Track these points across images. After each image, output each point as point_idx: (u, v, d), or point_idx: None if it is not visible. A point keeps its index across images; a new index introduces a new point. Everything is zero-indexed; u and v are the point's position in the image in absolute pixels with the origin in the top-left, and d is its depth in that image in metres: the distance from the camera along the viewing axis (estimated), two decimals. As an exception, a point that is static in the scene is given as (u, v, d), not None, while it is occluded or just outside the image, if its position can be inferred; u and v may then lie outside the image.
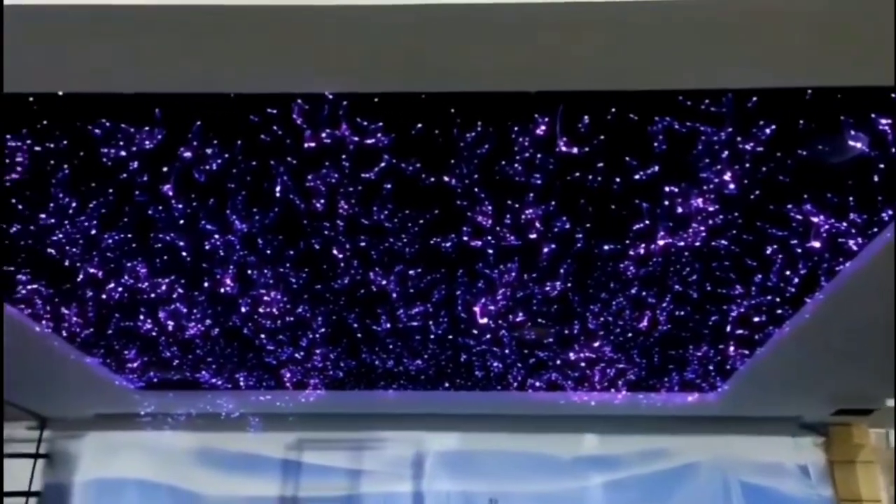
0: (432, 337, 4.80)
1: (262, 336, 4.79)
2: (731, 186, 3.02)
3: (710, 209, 3.20)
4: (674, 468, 6.49)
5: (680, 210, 3.23)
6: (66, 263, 3.83)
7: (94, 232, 3.54)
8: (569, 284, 4.05)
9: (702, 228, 3.37)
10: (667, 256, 3.68)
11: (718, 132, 2.73)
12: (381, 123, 2.78)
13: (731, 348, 4.84)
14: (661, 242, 3.55)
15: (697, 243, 3.51)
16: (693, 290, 4.01)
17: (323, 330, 4.69)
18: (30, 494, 6.34)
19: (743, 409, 6.14)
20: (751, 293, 4.01)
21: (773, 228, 3.36)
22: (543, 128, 2.79)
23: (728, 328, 4.49)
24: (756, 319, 4.34)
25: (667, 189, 3.11)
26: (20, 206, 3.30)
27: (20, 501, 6.30)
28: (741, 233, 3.40)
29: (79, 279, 4.00)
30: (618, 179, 3.08)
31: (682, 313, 4.31)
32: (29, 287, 4.09)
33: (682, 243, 3.52)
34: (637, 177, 3.04)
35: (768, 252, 3.57)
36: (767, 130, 2.72)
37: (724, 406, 5.99)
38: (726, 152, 2.84)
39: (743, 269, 3.75)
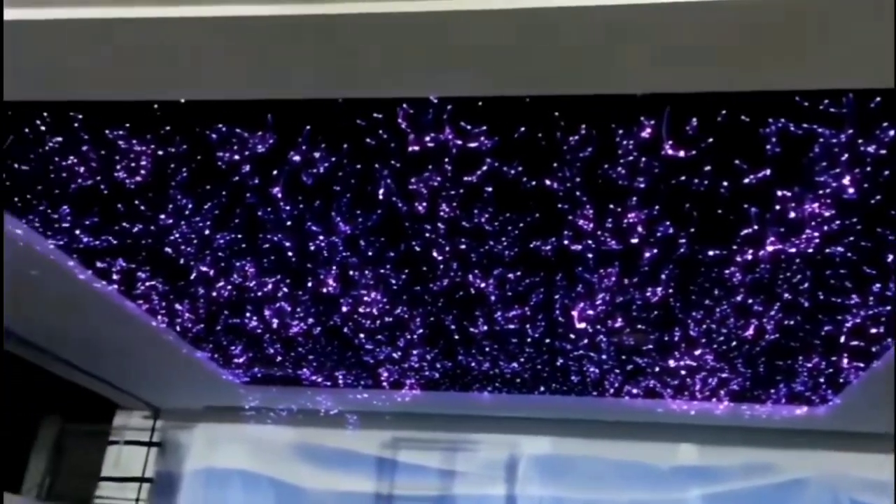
0: (529, 340, 4.78)
1: (362, 335, 4.89)
2: (850, 191, 2.89)
3: (826, 214, 3.07)
4: (779, 483, 6.22)
5: (792, 215, 3.11)
6: (182, 262, 4.03)
7: (207, 232, 3.71)
8: (670, 290, 3.96)
9: (816, 234, 3.23)
10: (776, 263, 3.55)
11: (838, 134, 2.62)
12: (484, 127, 2.80)
13: (845, 360, 4.62)
14: (770, 248, 3.42)
15: (810, 250, 3.37)
16: (804, 298, 3.84)
17: (421, 331, 4.75)
18: (143, 480, 6.69)
19: (855, 424, 5.82)
20: (868, 303, 3.82)
21: (894, 235, 3.19)
22: (649, 131, 2.74)
23: (842, 339, 4.28)
24: (873, 331, 4.12)
25: (779, 193, 3.00)
26: (143, 208, 3.50)
27: (134, 486, 6.66)
28: (859, 239, 3.24)
29: (192, 277, 4.21)
30: (725, 183, 2.99)
31: (792, 322, 4.14)
32: (147, 284, 4.32)
33: (793, 249, 3.39)
34: (747, 180, 2.95)
35: (888, 260, 3.39)
36: (892, 132, 2.58)
37: (835, 420, 5.71)
38: (846, 155, 2.71)
39: (860, 277, 3.57)
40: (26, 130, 2.99)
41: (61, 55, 2.46)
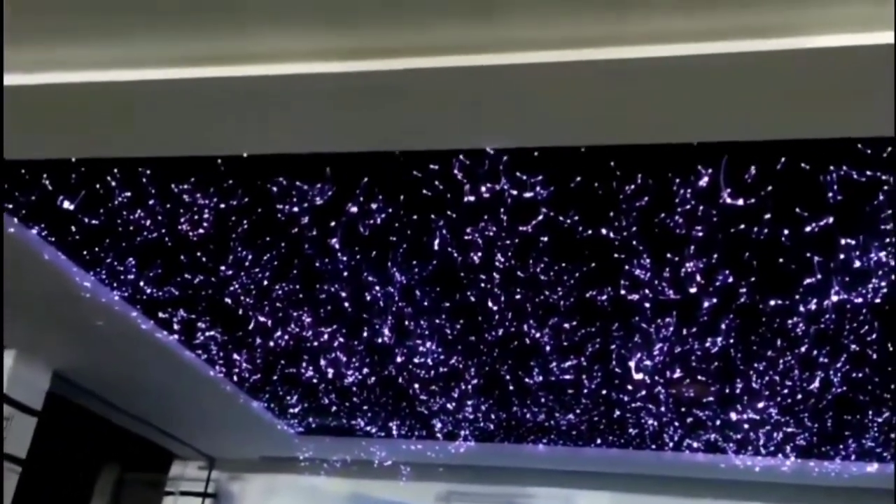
0: (585, 391, 4.71)
1: (416, 385, 4.88)
2: (918, 238, 2.81)
3: (894, 263, 2.98)
4: (850, 545, 5.93)
5: (857, 264, 3.03)
6: (240, 312, 4.10)
7: (266, 283, 3.78)
8: (731, 341, 3.87)
9: (883, 284, 3.14)
10: (841, 313, 3.44)
11: (903, 180, 2.56)
12: (540, 177, 2.81)
13: (918, 415, 4.43)
14: (834, 298, 3.33)
15: (878, 300, 3.26)
16: (872, 349, 3.71)
17: (475, 381, 4.72)
18: (197, 531, 6.72)
19: (930, 482, 5.54)
20: (941, 354, 3.67)
21: (966, 284, 3.08)
22: (706, 179, 2.72)
23: (914, 392, 4.12)
24: (947, 383, 3.95)
25: (842, 241, 2.93)
26: (204, 259, 3.59)
27: (189, 537, 6.69)
28: (929, 288, 3.14)
29: (250, 327, 4.27)
30: (786, 231, 2.94)
31: (860, 375, 4.00)
32: (207, 334, 4.41)
33: (859, 300, 3.29)
34: (808, 228, 2.89)
35: (961, 309, 3.27)
36: (960, 178, 2.52)
37: (908, 478, 5.44)
38: (912, 202, 2.65)
39: (931, 327, 3.44)
40: (97, 186, 3.11)
41: (132, 114, 2.57)
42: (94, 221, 3.37)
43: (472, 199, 2.96)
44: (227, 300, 3.98)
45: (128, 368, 5.02)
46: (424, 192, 2.97)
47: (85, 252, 3.66)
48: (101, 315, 4.18)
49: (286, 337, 4.36)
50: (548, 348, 4.16)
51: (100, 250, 3.63)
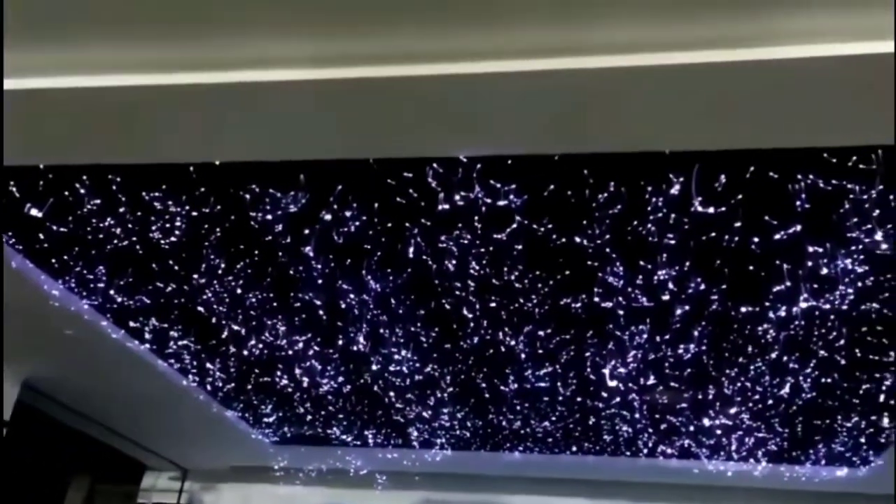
0: (560, 399, 4.72)
1: (392, 394, 4.86)
2: (884, 246, 2.86)
3: (860, 270, 3.03)
4: (821, 548, 6.00)
5: (825, 271, 3.08)
6: (213, 321, 4.06)
7: (239, 291, 3.75)
8: (703, 347, 3.91)
9: (850, 290, 3.19)
10: (810, 319, 3.49)
11: (868, 190, 2.60)
12: (513, 185, 2.83)
13: (885, 419, 4.49)
14: (803, 305, 3.38)
15: (845, 306, 3.31)
16: (840, 355, 3.77)
17: (451, 389, 4.72)
18: (170, 542, 6.63)
19: (898, 486, 5.62)
20: (907, 360, 3.73)
21: (931, 290, 3.14)
22: (678, 187, 2.75)
23: (881, 398, 4.17)
24: (914, 388, 4.02)
25: (810, 249, 2.97)
26: (176, 267, 3.55)
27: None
28: (895, 295, 3.19)
29: (223, 336, 4.23)
30: (756, 239, 2.98)
31: (829, 380, 4.05)
32: (180, 343, 4.36)
33: (827, 306, 3.34)
34: (777, 236, 2.93)
35: (927, 316, 3.32)
36: (923, 187, 2.57)
37: (876, 482, 5.51)
38: (877, 211, 2.69)
39: (898, 333, 3.50)
40: (66, 194, 3.08)
41: (101, 121, 2.55)
42: (62, 229, 3.32)
43: (446, 207, 2.97)
44: (200, 309, 3.95)
45: (99, 378, 4.96)
46: (398, 199, 2.97)
47: (54, 260, 3.61)
48: (70, 324, 4.12)
49: (260, 345, 4.33)
50: (523, 356, 4.17)
51: (69, 258, 3.58)
